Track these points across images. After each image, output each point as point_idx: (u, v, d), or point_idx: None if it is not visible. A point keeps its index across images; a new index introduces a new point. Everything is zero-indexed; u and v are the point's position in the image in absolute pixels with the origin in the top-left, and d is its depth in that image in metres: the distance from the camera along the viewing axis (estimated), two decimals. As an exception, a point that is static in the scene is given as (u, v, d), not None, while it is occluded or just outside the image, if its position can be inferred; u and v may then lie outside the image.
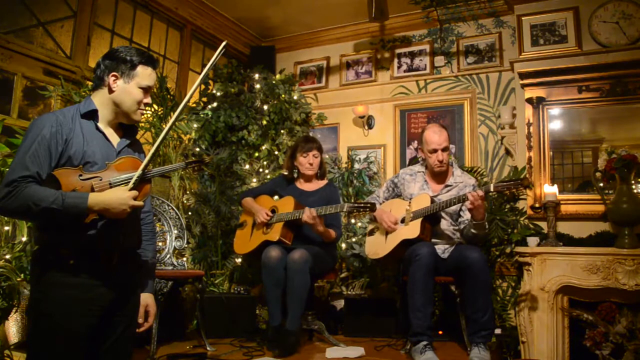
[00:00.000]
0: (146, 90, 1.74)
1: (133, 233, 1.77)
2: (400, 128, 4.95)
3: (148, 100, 1.75)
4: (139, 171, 1.64)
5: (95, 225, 1.60)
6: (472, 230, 3.05)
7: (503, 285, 4.07)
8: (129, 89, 1.70)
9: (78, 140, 1.64)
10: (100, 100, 1.72)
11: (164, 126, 3.86)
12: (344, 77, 5.32)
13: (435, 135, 3.20)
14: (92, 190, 1.59)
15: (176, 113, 1.72)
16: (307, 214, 3.17)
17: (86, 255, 1.61)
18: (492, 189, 2.86)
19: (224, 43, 1.76)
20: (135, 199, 1.60)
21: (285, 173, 3.68)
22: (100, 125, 1.72)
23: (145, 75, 1.72)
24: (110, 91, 1.70)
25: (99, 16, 4.04)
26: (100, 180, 1.62)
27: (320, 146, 3.61)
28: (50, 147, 1.58)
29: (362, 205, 3.12)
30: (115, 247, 1.67)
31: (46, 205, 1.49)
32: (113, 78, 1.69)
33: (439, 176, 3.30)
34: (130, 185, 1.62)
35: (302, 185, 3.60)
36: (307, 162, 3.51)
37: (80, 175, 1.60)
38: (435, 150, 3.19)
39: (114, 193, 1.58)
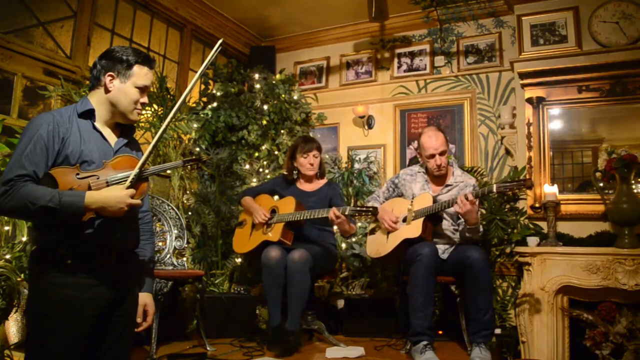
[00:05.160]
0: (142, 89, 1.73)
1: (131, 232, 1.77)
2: (400, 128, 4.95)
3: (145, 100, 1.75)
4: (136, 169, 1.64)
5: (93, 224, 1.60)
6: (467, 234, 3.09)
7: (503, 285, 4.07)
8: (125, 88, 1.70)
9: (75, 140, 1.64)
10: (97, 100, 1.72)
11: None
12: (344, 77, 5.32)
13: (431, 140, 3.19)
14: (89, 188, 1.59)
15: (173, 110, 1.72)
16: (332, 214, 3.11)
17: (84, 255, 1.61)
18: (494, 190, 2.85)
19: (220, 41, 1.75)
20: (132, 197, 1.60)
21: (286, 173, 3.67)
22: (97, 124, 1.72)
23: (141, 74, 1.72)
24: (107, 91, 1.70)
25: (99, 16, 4.04)
26: (98, 178, 1.62)
27: (320, 146, 3.60)
28: (47, 146, 1.59)
29: (364, 209, 3.08)
30: (113, 246, 1.68)
31: (43, 203, 1.49)
32: (109, 78, 1.69)
33: (439, 177, 3.30)
34: (127, 183, 1.62)
35: (302, 185, 3.60)
36: (308, 162, 3.50)
37: (77, 174, 1.61)
38: (432, 156, 3.19)
39: (110, 191, 1.58)
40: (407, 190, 3.36)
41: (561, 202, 3.87)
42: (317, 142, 3.58)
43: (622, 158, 3.49)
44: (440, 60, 4.89)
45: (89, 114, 1.71)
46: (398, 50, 5.10)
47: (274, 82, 4.77)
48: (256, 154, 4.58)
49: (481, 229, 3.11)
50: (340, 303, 4.17)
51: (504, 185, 2.83)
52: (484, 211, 3.93)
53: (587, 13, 4.08)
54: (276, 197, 3.63)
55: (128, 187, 1.61)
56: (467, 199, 2.85)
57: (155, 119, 4.02)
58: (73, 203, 1.52)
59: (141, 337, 3.10)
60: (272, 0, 4.79)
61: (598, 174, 3.75)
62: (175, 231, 3.62)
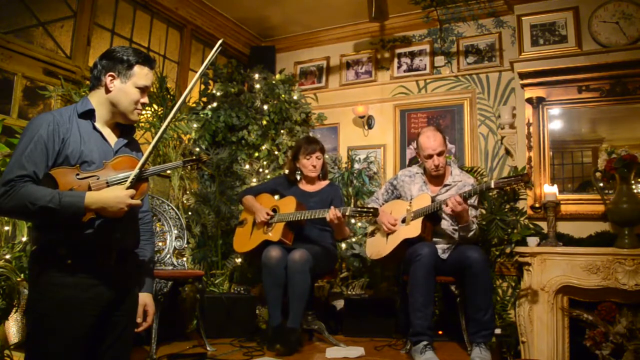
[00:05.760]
0: (143, 90, 1.73)
1: (131, 232, 1.77)
2: (400, 128, 4.95)
3: (145, 100, 1.75)
4: (136, 170, 1.64)
5: (93, 225, 1.60)
6: (460, 233, 3.12)
7: (503, 285, 4.07)
8: (126, 88, 1.70)
9: (75, 140, 1.64)
10: (97, 100, 1.72)
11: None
12: (344, 77, 5.32)
13: (429, 141, 3.20)
14: (89, 189, 1.59)
15: (173, 110, 1.72)
16: (332, 214, 3.11)
17: (84, 255, 1.61)
18: (492, 186, 2.87)
19: (220, 41, 1.76)
20: (132, 197, 1.60)
21: (287, 173, 3.66)
22: (98, 125, 1.72)
23: (142, 75, 1.72)
24: (107, 91, 1.70)
25: (99, 16, 4.04)
26: (98, 179, 1.62)
27: (323, 147, 3.58)
28: (47, 146, 1.59)
29: (365, 210, 3.08)
30: (113, 247, 1.68)
31: (43, 204, 1.49)
32: (110, 78, 1.69)
33: (437, 177, 3.31)
34: (127, 184, 1.62)
35: (304, 186, 3.59)
36: (311, 164, 3.49)
37: (77, 174, 1.61)
38: (430, 156, 3.20)
39: (111, 192, 1.58)
40: (406, 191, 3.37)
41: (561, 202, 3.88)
42: (320, 144, 3.57)
43: (622, 158, 3.49)
44: (440, 60, 4.89)
45: (89, 114, 1.71)
46: (398, 50, 5.10)
47: (274, 82, 4.77)
48: (256, 154, 4.58)
49: (473, 228, 3.12)
50: (340, 303, 4.17)
51: (502, 180, 2.86)
52: (484, 211, 3.93)
53: (587, 13, 4.08)
54: (277, 196, 3.63)
55: (128, 188, 1.61)
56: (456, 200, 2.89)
57: (155, 119, 4.02)
58: (73, 203, 1.52)
59: (141, 337, 3.10)
60: (272, 0, 4.79)
61: (598, 174, 3.76)
62: (175, 231, 3.62)
